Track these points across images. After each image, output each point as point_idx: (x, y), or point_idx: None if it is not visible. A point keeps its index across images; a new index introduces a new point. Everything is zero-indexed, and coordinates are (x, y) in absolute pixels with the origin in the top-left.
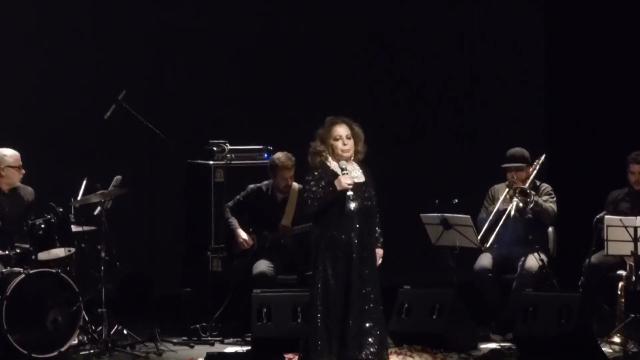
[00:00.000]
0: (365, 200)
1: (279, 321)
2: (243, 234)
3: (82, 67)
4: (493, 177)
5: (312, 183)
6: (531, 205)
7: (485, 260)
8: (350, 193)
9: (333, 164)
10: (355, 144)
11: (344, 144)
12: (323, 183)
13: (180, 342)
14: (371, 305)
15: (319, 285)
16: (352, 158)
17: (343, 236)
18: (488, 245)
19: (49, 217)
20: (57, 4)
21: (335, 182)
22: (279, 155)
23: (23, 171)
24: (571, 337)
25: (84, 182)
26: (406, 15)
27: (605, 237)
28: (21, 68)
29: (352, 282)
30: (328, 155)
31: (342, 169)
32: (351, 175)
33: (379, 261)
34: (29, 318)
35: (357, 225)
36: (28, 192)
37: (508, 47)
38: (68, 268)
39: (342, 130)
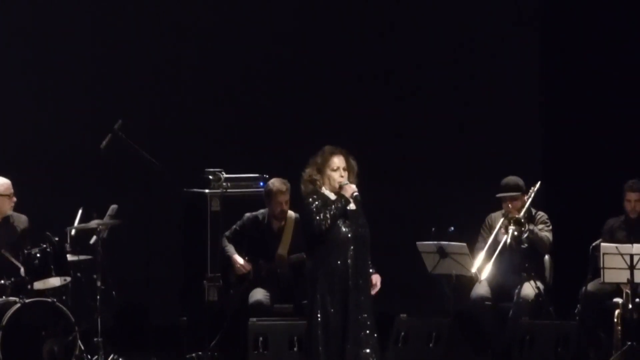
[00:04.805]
0: (359, 227)
1: (275, 350)
2: (240, 259)
3: (78, 96)
4: (490, 205)
5: (316, 203)
6: (526, 235)
7: (481, 288)
8: (349, 213)
9: (327, 193)
10: (349, 175)
11: (341, 176)
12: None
13: None
14: (367, 331)
15: (319, 315)
16: None
17: (339, 262)
18: (483, 278)
19: (44, 246)
20: (54, 34)
21: (342, 192)
22: (273, 181)
23: (14, 199)
24: None
25: (80, 211)
26: (404, 51)
27: (601, 265)
28: (17, 96)
29: (349, 309)
30: (322, 185)
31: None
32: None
33: (379, 286)
34: (25, 348)
35: (352, 253)
36: (22, 220)
37: (503, 76)
38: (64, 297)
39: (339, 161)
